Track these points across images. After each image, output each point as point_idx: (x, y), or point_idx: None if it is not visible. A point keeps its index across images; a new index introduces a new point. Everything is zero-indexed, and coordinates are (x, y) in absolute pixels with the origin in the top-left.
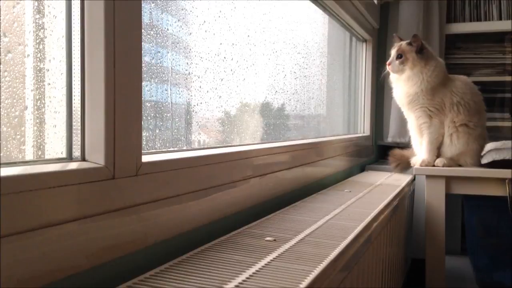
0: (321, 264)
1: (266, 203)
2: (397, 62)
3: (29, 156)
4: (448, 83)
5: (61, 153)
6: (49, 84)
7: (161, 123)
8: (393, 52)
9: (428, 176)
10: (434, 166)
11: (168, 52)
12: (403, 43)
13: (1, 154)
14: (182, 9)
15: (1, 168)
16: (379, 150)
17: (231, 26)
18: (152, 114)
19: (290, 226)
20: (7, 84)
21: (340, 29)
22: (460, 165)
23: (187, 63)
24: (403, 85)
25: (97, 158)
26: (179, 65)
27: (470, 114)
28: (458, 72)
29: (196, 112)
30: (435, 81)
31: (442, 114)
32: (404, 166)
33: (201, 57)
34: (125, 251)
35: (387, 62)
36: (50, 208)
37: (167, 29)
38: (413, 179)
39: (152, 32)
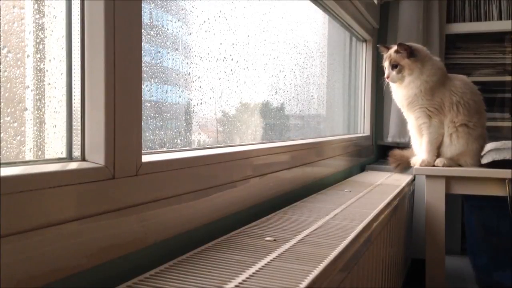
0: (321, 264)
1: (266, 203)
2: (394, 72)
3: (29, 156)
4: (447, 83)
5: (61, 153)
6: (49, 84)
7: (161, 123)
8: (387, 64)
9: (428, 176)
10: (434, 166)
11: (168, 52)
12: (392, 52)
13: (1, 154)
14: (182, 9)
15: (1, 168)
16: (379, 150)
17: (231, 26)
18: (152, 114)
19: (290, 226)
20: (7, 84)
21: (340, 29)
22: (460, 165)
23: (187, 63)
24: (403, 88)
25: (97, 158)
26: (179, 65)
27: (470, 114)
28: (458, 72)
29: (196, 112)
30: (434, 80)
31: (441, 114)
32: (404, 166)
33: (201, 57)
34: (125, 251)
35: (386, 76)
36: (50, 208)
37: (167, 29)
38: (413, 179)
39: (152, 32)
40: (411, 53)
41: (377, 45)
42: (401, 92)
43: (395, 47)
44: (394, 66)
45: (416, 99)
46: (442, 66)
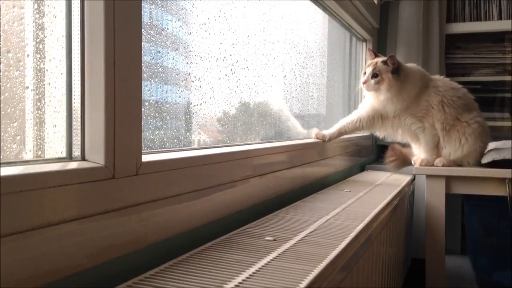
0: (321, 264)
1: (266, 203)
2: (372, 81)
3: (29, 155)
4: (430, 84)
5: (61, 152)
6: (49, 84)
7: (161, 123)
8: (369, 70)
9: (428, 176)
10: (433, 165)
11: (168, 52)
12: (379, 61)
13: (1, 154)
14: (182, 9)
15: (1, 168)
16: (379, 150)
17: (231, 26)
18: (152, 114)
19: (290, 225)
20: (6, 84)
21: (340, 29)
22: (460, 165)
23: (187, 63)
24: (382, 103)
25: (97, 157)
26: (179, 65)
27: (457, 111)
28: (458, 72)
29: (196, 112)
30: (413, 94)
31: (431, 115)
32: (399, 164)
33: (201, 57)
34: (125, 250)
35: (363, 81)
36: (50, 208)
37: (167, 29)
38: (413, 179)
39: (152, 32)
40: (396, 69)
41: (368, 48)
42: (380, 107)
43: (384, 58)
44: (375, 75)
45: (403, 111)
46: (421, 73)
